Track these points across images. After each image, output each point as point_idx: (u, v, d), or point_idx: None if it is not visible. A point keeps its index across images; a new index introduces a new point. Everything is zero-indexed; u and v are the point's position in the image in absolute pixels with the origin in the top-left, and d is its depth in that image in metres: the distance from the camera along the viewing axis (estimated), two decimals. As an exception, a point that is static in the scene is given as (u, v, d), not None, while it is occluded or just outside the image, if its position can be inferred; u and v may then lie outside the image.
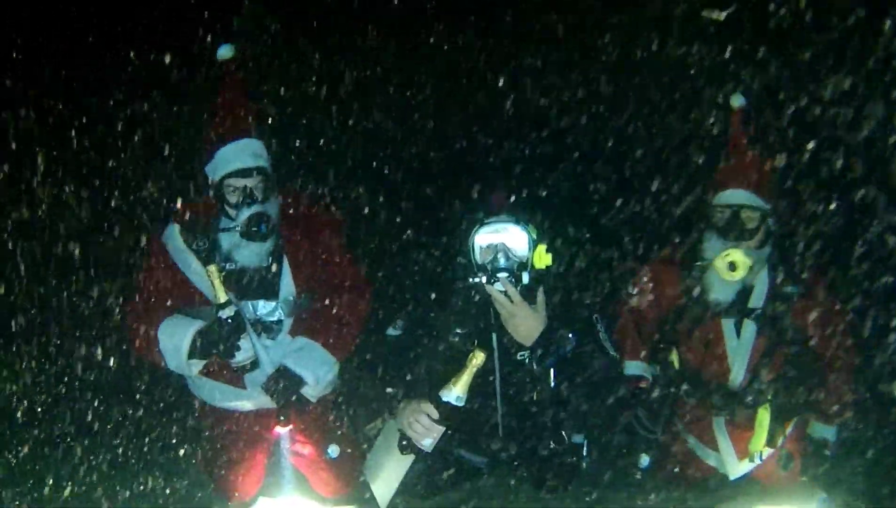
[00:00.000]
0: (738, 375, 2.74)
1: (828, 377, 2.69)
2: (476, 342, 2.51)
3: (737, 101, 2.76)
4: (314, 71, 3.99)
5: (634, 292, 2.87)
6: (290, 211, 2.76)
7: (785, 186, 2.84)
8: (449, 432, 2.35)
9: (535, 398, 2.57)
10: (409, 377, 2.52)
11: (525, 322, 2.41)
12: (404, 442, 2.60)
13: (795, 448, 2.77)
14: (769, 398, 2.67)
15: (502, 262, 2.43)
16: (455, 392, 2.28)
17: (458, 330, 2.55)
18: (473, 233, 2.52)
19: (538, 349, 2.45)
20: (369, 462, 2.74)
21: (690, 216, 2.84)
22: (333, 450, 2.72)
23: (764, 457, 2.72)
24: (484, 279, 2.42)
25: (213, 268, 2.48)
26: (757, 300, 2.67)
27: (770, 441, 2.67)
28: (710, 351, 2.74)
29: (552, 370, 2.52)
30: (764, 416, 2.66)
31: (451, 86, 4.17)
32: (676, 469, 2.93)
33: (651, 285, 2.84)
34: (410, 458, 2.65)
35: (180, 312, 2.67)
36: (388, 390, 2.51)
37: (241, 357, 2.56)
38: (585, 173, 3.89)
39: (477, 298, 2.50)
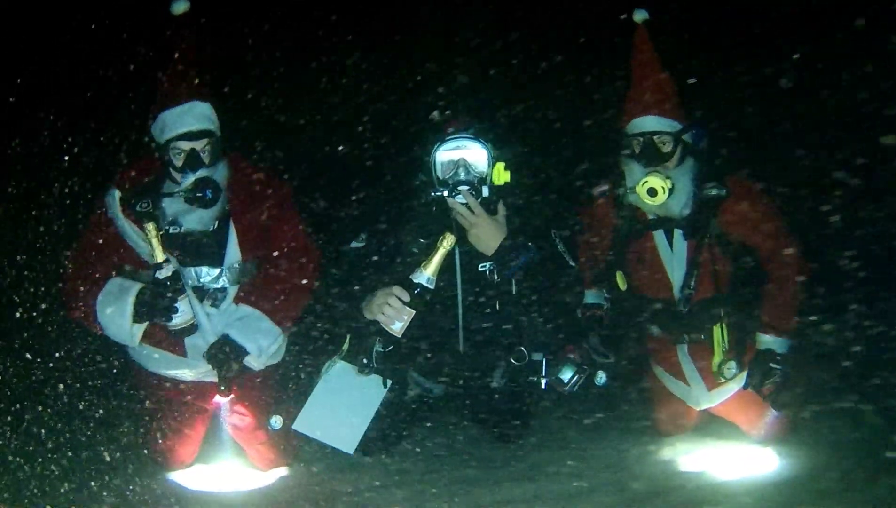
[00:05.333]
0: (679, 287, 2.73)
1: (771, 286, 2.67)
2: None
3: (639, 15, 2.73)
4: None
5: (584, 228, 2.92)
6: (239, 176, 2.70)
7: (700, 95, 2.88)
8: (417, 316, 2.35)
9: (496, 308, 2.62)
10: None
11: (486, 232, 2.49)
12: (365, 361, 2.59)
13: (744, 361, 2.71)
14: (721, 316, 2.70)
15: (463, 176, 2.53)
16: (426, 274, 2.32)
17: (422, 239, 2.59)
18: (435, 149, 2.58)
19: (499, 259, 2.51)
20: (314, 415, 2.66)
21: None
22: (276, 421, 2.63)
23: (733, 383, 2.68)
24: (445, 193, 2.50)
25: (150, 226, 2.41)
26: (683, 208, 2.69)
27: (725, 361, 2.66)
28: (649, 266, 2.76)
29: (513, 281, 2.59)
30: (718, 333, 2.68)
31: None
32: (654, 403, 2.94)
33: (594, 219, 2.91)
34: (374, 402, 2.64)
35: (120, 276, 2.57)
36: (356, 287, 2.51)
37: (179, 320, 2.48)
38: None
39: (437, 210, 2.55)
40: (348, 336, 2.72)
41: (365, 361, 2.58)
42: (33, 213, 3.55)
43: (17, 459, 2.62)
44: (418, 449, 2.87)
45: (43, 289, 3.29)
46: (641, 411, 3.04)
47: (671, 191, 2.63)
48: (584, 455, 2.79)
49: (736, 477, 2.53)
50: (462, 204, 2.47)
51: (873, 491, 2.28)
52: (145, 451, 2.74)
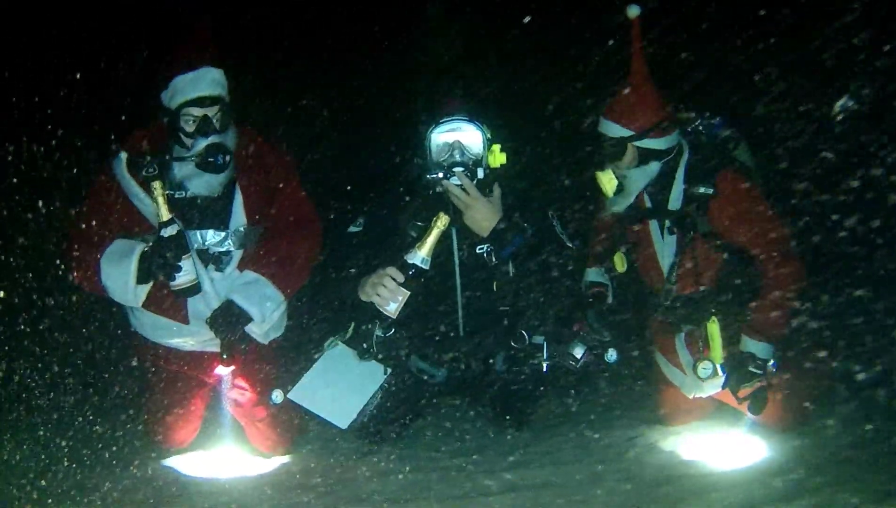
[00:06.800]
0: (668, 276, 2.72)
1: (762, 288, 2.59)
2: None
3: (633, 11, 2.68)
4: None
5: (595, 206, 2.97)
6: (246, 144, 2.72)
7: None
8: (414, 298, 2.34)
9: (494, 289, 2.62)
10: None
11: (481, 214, 2.50)
12: (364, 345, 2.58)
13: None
14: (707, 313, 2.65)
15: (458, 158, 2.54)
16: (420, 255, 2.32)
17: (419, 222, 2.59)
18: (430, 132, 2.59)
19: (495, 240, 2.52)
20: (311, 387, 2.65)
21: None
22: (277, 395, 2.61)
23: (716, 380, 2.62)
24: (440, 175, 2.51)
25: (157, 184, 2.41)
26: (675, 203, 2.70)
27: (701, 359, 2.60)
28: (644, 253, 2.80)
29: (511, 263, 2.59)
30: (713, 329, 2.61)
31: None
32: (657, 390, 2.93)
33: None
34: (372, 384, 2.64)
35: (124, 237, 2.57)
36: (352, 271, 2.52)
37: (182, 279, 2.46)
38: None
39: (434, 193, 2.56)
40: (352, 324, 2.72)
41: (365, 346, 2.59)
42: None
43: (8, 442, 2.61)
44: (420, 435, 2.87)
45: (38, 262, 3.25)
46: (648, 397, 3.01)
47: (619, 188, 2.70)
48: (589, 442, 2.77)
49: (743, 466, 2.47)
50: (457, 185, 2.48)
51: (874, 484, 2.20)
52: (144, 429, 2.73)
